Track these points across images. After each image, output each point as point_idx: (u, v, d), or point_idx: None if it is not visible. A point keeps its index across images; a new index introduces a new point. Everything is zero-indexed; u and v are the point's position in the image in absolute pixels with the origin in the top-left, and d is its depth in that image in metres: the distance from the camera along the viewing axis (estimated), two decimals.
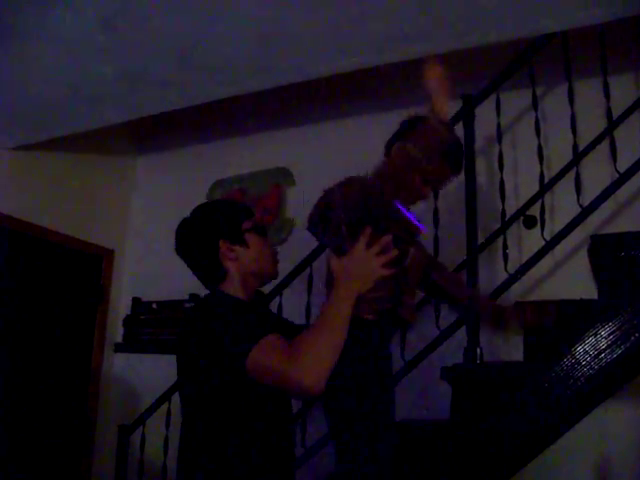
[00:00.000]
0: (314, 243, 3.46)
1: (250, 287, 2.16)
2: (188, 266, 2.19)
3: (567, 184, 3.33)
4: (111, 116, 4.15)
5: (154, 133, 5.59)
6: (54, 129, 4.34)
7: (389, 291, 2.00)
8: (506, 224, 3.42)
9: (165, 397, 3.61)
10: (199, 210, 2.26)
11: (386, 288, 1.98)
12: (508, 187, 3.41)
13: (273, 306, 3.43)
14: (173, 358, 4.36)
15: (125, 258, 5.42)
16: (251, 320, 1.91)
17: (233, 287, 2.10)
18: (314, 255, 3.47)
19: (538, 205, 3.25)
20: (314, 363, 1.77)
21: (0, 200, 4.46)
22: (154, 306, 5.06)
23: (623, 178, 2.96)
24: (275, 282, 3.24)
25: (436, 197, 3.24)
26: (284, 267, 3.47)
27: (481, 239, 3.47)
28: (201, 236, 2.17)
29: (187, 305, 4.82)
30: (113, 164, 5.47)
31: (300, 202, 4.67)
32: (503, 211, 3.31)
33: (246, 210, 2.22)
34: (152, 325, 5.04)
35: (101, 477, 4.89)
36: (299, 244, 3.83)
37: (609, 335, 2.63)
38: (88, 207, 5.14)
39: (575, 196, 3.07)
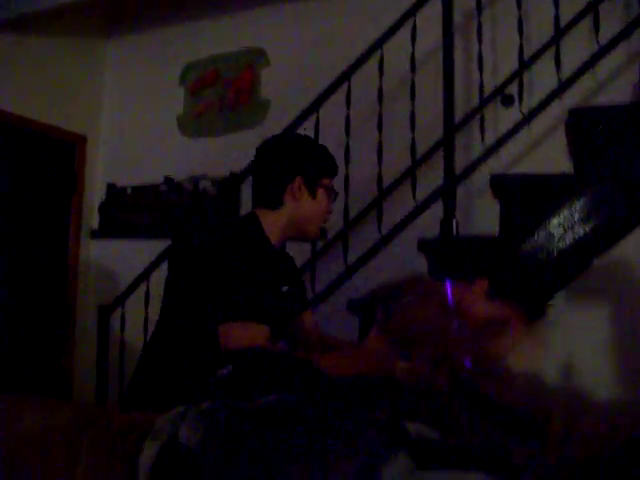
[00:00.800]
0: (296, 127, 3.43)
1: (286, 234, 2.16)
2: (253, 178, 2.19)
3: (547, 62, 3.28)
4: None
5: (124, 15, 5.37)
6: (20, 3, 4.16)
7: None
8: (484, 101, 3.38)
9: (143, 276, 3.63)
10: (303, 138, 2.27)
11: None
12: (486, 66, 3.36)
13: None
14: (149, 242, 4.40)
15: (98, 144, 5.31)
16: (245, 287, 1.92)
17: (273, 223, 2.10)
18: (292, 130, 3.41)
19: (516, 84, 3.21)
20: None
21: None
22: (129, 191, 5.02)
23: (603, 51, 2.91)
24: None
25: (413, 70, 3.18)
26: None
27: (458, 119, 3.45)
28: (287, 159, 2.14)
29: (162, 189, 4.78)
30: (83, 49, 5.28)
31: (275, 83, 4.59)
32: (481, 85, 3.27)
33: (334, 169, 2.22)
34: (127, 210, 5.00)
35: (84, 359, 4.97)
36: (276, 126, 3.77)
37: (583, 208, 2.65)
38: (59, 93, 4.99)
39: (555, 74, 3.03)
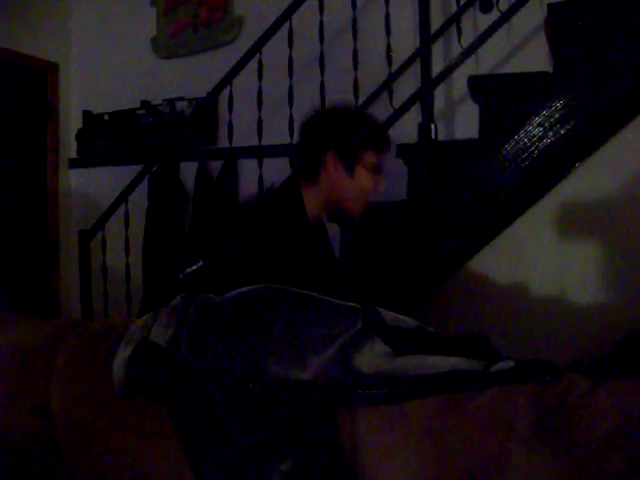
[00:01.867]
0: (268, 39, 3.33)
1: (325, 210, 2.08)
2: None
3: None
4: None
5: None
6: None
7: None
8: (462, 7, 3.29)
9: (121, 198, 3.58)
10: (344, 110, 2.13)
11: None
12: None
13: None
14: (128, 169, 4.34)
15: (71, 71, 5.18)
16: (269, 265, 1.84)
17: (311, 197, 2.02)
18: (263, 41, 3.30)
19: None
20: None
21: None
22: (106, 118, 4.92)
23: None
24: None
25: None
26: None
27: (436, 27, 3.36)
28: (321, 132, 2.04)
29: (139, 112, 4.68)
30: None
31: None
32: None
33: (380, 143, 2.04)
34: (105, 137, 4.91)
35: (69, 285, 4.98)
36: (251, 41, 3.68)
37: (563, 107, 2.60)
38: (27, 20, 4.84)
39: None
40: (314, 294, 1.46)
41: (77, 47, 5.22)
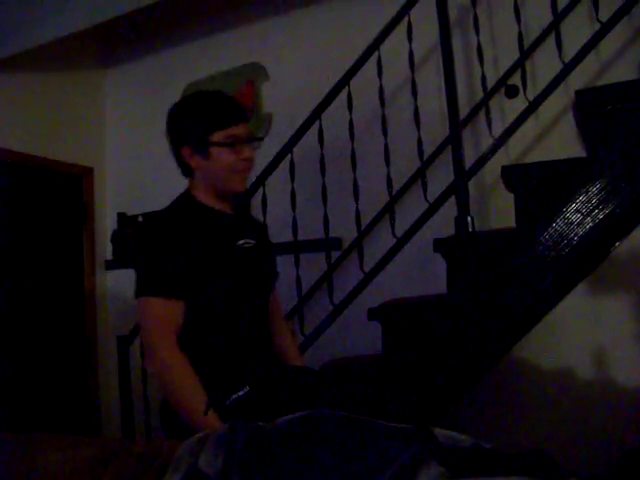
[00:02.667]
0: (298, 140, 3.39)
1: (215, 194, 2.19)
2: None
3: (548, 48, 3.23)
4: (76, 20, 3.99)
5: (121, 43, 5.36)
6: (16, 42, 4.17)
7: None
8: (488, 94, 3.32)
9: None
10: (182, 103, 2.26)
11: None
12: (488, 59, 3.30)
13: (257, 198, 3.38)
14: None
15: (105, 174, 5.30)
16: (167, 263, 1.99)
17: (200, 188, 2.19)
18: (294, 141, 3.35)
19: (519, 74, 3.14)
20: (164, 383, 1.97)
21: None
22: (140, 219, 4.98)
23: (605, 29, 2.84)
24: (257, 172, 3.19)
25: (412, 69, 3.11)
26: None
27: (464, 115, 3.39)
28: (171, 132, 2.22)
29: None
30: (82, 80, 5.28)
31: (276, 96, 4.55)
32: (483, 78, 3.20)
33: (224, 119, 2.12)
34: None
35: (108, 389, 4.95)
36: (279, 138, 3.73)
37: (600, 192, 2.58)
38: (61, 127, 4.99)
39: (557, 58, 2.95)
40: (365, 418, 1.42)
41: (110, 150, 5.35)
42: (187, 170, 2.21)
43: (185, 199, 2.20)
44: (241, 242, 2.19)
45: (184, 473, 1.51)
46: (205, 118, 2.12)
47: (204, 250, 2.05)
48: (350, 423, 1.40)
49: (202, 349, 2.04)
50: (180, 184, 4.61)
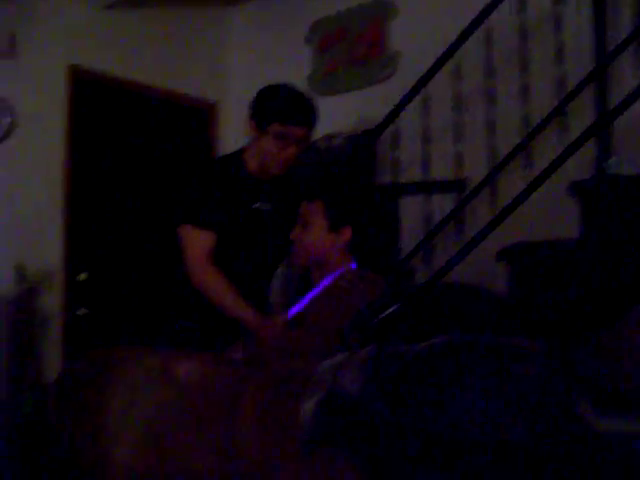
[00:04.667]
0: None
1: (258, 165, 2.55)
2: None
3: None
4: None
5: None
6: None
7: None
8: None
9: None
10: (274, 87, 2.69)
11: None
12: None
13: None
14: None
15: (230, 110, 5.36)
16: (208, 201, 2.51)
17: (249, 153, 2.59)
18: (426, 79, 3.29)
19: None
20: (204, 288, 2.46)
21: (101, 60, 4.46)
22: None
23: None
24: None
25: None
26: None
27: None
28: (251, 104, 2.63)
29: None
30: (210, 17, 5.30)
31: (405, 33, 4.45)
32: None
33: (286, 117, 2.46)
34: None
35: None
36: (408, 78, 3.68)
37: None
38: (189, 62, 5.05)
39: None
40: (507, 341, 1.40)
41: (235, 86, 5.39)
42: (252, 138, 2.59)
43: (235, 157, 2.66)
44: (257, 205, 2.57)
45: (325, 394, 1.54)
46: (276, 108, 2.52)
47: (226, 203, 2.52)
48: (495, 349, 1.38)
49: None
50: None
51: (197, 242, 2.50)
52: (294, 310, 2.28)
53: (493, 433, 1.29)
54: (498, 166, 3.28)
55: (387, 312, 1.80)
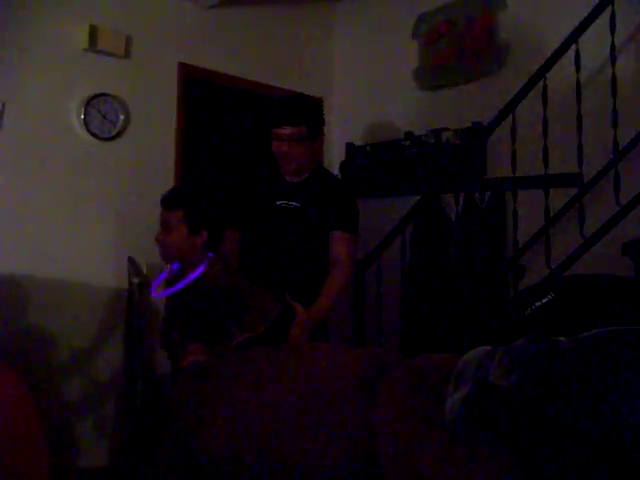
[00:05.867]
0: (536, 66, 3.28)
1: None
2: None
3: None
4: None
5: None
6: None
7: None
8: None
9: (399, 229, 3.67)
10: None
11: None
12: None
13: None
14: (392, 200, 4.40)
15: (334, 105, 5.38)
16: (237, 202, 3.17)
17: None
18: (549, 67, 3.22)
19: None
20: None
21: (208, 57, 4.57)
22: (368, 149, 5.03)
23: None
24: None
25: None
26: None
27: None
28: None
29: (403, 143, 4.73)
30: (313, 14, 5.36)
31: (514, 26, 4.36)
32: None
33: (274, 121, 2.90)
34: (367, 168, 5.01)
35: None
36: (517, 70, 3.62)
37: None
38: (293, 59, 5.13)
39: None
40: None
41: (340, 81, 5.41)
42: None
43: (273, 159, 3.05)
44: (280, 202, 2.99)
45: (472, 386, 1.51)
46: (270, 115, 2.95)
47: (254, 202, 3.07)
48: None
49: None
50: (409, 115, 4.57)
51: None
52: (168, 292, 2.80)
53: None
54: (616, 157, 3.19)
55: (540, 303, 1.76)
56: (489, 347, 1.58)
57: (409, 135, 4.69)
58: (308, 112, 2.98)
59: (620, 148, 3.20)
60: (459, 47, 4.58)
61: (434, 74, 4.73)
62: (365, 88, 5.19)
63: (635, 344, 1.33)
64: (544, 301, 1.79)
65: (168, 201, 2.72)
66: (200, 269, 2.70)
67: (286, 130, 2.88)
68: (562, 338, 1.43)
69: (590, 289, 1.89)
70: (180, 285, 2.72)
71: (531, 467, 1.40)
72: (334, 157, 5.32)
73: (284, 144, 2.90)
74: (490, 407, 1.46)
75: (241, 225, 3.11)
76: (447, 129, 4.47)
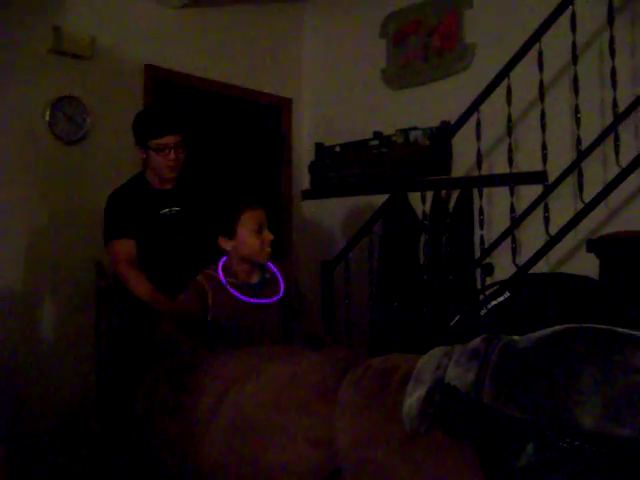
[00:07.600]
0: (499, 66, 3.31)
1: (157, 178, 3.10)
2: None
3: None
4: None
5: None
6: None
7: None
8: None
9: (366, 228, 3.67)
10: (142, 112, 3.33)
11: None
12: None
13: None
14: (362, 199, 4.41)
15: (303, 105, 5.38)
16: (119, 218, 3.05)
17: (149, 173, 3.13)
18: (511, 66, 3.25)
19: None
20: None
21: (175, 58, 4.53)
22: (337, 149, 5.04)
23: None
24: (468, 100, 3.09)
25: None
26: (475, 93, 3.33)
27: None
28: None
29: (371, 143, 4.74)
30: (281, 14, 5.33)
31: (480, 25, 4.38)
32: None
33: (154, 132, 2.97)
34: (337, 168, 5.02)
35: None
36: (483, 69, 3.64)
37: None
38: (262, 59, 5.10)
39: None
40: (626, 332, 1.34)
41: (309, 81, 5.41)
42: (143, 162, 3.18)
43: (138, 177, 3.17)
44: (164, 211, 3.08)
45: (430, 386, 1.51)
46: (145, 127, 3.03)
47: (138, 213, 3.04)
48: (614, 340, 1.33)
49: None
50: (377, 115, 4.57)
51: (118, 249, 3.03)
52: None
53: (605, 428, 1.25)
54: (584, 151, 3.22)
55: (496, 302, 1.77)
56: (448, 347, 1.58)
57: (378, 134, 4.70)
58: (183, 120, 3.18)
59: (583, 147, 3.22)
60: (426, 46, 4.60)
61: (402, 73, 4.75)
62: (334, 88, 5.19)
63: (589, 341, 1.34)
64: (500, 300, 1.80)
65: None
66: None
67: (173, 138, 3.01)
68: (516, 337, 1.43)
69: (544, 287, 1.90)
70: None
71: (491, 464, 1.40)
72: (304, 157, 5.32)
73: (172, 151, 3.00)
74: (448, 406, 1.46)
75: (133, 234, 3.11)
76: (415, 128, 4.49)
